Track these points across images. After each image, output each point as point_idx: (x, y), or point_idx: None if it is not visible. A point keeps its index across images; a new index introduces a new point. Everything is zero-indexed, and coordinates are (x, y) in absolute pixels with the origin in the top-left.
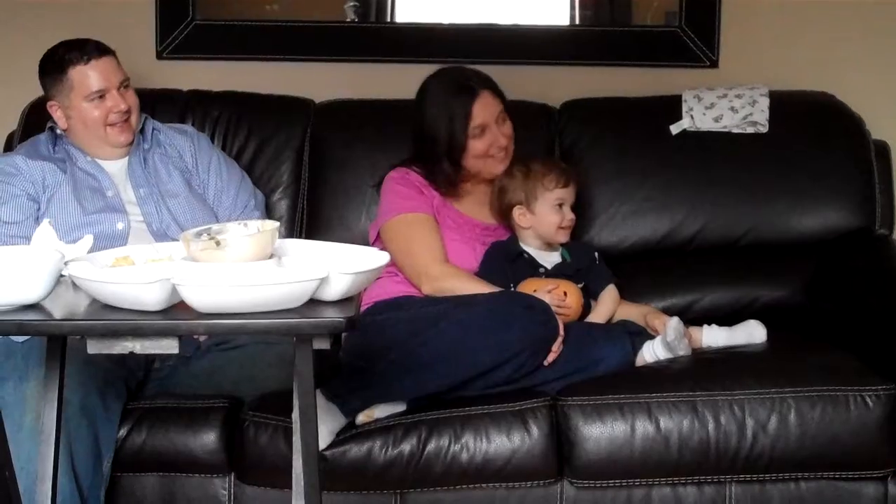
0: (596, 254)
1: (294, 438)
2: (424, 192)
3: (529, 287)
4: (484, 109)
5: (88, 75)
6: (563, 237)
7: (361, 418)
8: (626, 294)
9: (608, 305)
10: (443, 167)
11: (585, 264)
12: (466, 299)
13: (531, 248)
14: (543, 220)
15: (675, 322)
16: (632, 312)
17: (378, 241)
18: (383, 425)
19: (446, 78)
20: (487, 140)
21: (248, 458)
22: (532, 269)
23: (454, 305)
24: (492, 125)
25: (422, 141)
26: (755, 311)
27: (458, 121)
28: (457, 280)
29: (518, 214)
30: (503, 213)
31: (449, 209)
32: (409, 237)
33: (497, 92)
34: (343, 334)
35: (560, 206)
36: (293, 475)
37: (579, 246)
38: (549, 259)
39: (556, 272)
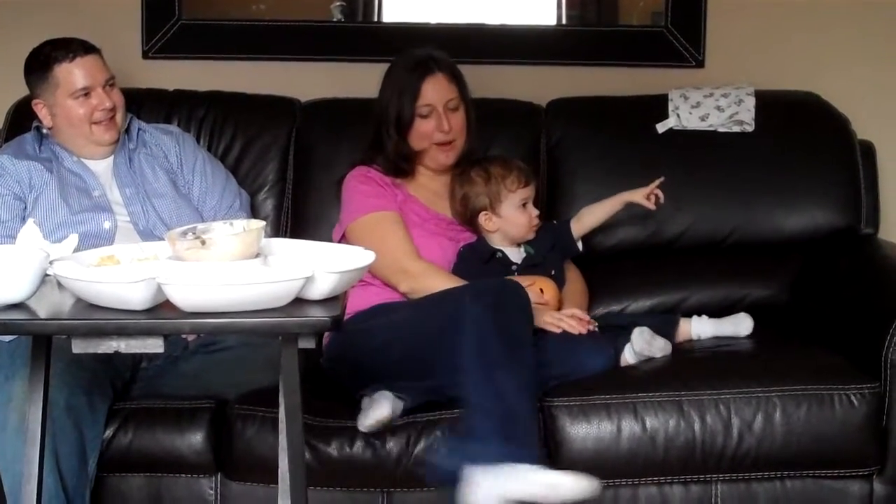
0: (554, 223)
1: (280, 437)
2: (387, 189)
3: None
4: (434, 90)
5: (74, 73)
6: (532, 234)
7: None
8: (614, 292)
9: (579, 295)
10: (392, 145)
11: (546, 250)
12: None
13: (500, 247)
14: (513, 222)
15: (636, 334)
16: (606, 210)
17: (343, 242)
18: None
19: (408, 56)
20: (432, 123)
21: (235, 451)
22: (505, 267)
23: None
24: (439, 109)
25: (377, 121)
26: (742, 310)
27: (407, 96)
28: (435, 278)
29: (484, 219)
30: (469, 220)
31: (413, 203)
32: (381, 236)
33: (456, 79)
34: (324, 344)
35: (524, 205)
36: (279, 473)
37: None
38: (518, 256)
39: (525, 266)
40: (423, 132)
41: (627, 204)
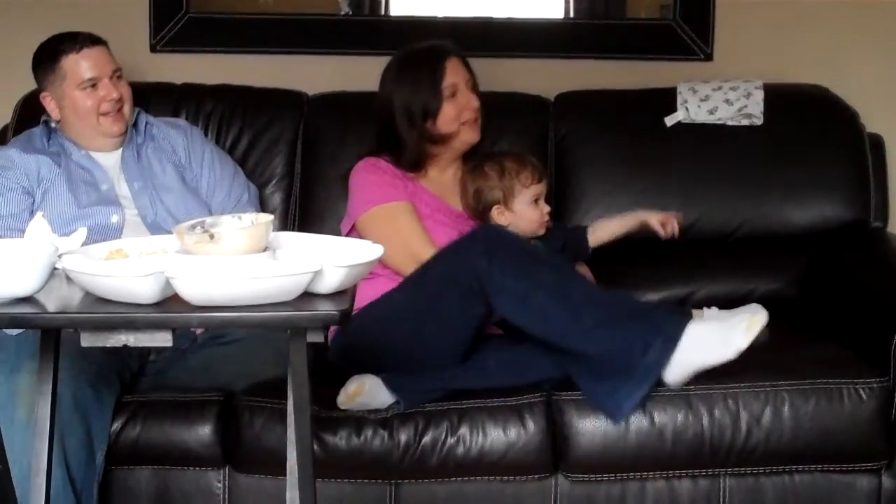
0: (567, 225)
1: (288, 430)
2: (398, 180)
3: None
4: (454, 70)
5: (80, 64)
6: (543, 230)
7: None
8: (623, 286)
9: None
10: (413, 141)
11: (556, 250)
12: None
13: None
14: (524, 217)
15: None
16: (622, 226)
17: (353, 234)
18: (380, 417)
19: (416, 49)
20: (459, 102)
21: (243, 443)
22: None
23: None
24: (462, 87)
25: (390, 119)
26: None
27: (430, 83)
28: None
29: (497, 213)
30: (481, 214)
31: (423, 192)
32: (395, 225)
33: (467, 63)
34: (330, 338)
35: (536, 200)
36: (288, 466)
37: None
38: None
39: None
40: (451, 114)
41: (642, 223)
